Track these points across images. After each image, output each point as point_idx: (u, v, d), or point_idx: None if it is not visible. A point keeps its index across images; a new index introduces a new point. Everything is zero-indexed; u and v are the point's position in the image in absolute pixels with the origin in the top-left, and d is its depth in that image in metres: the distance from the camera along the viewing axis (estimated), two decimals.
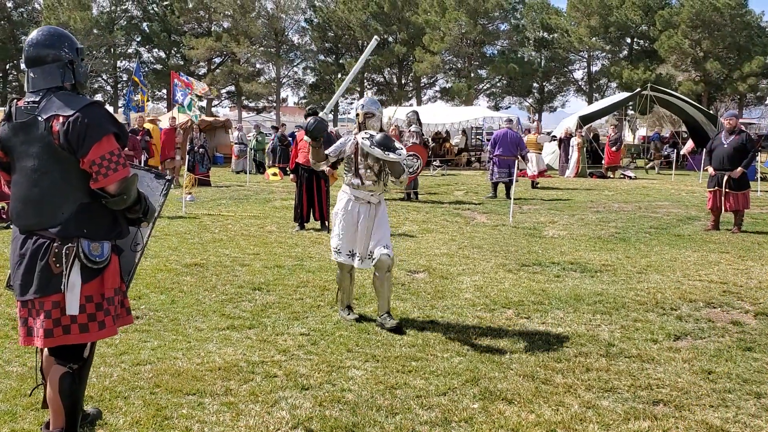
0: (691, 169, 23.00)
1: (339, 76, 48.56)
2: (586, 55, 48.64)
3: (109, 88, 50.10)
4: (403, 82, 50.46)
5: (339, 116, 51.18)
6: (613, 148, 21.38)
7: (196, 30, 48.76)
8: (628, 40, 47.33)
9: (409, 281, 6.57)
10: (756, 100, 46.69)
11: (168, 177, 3.56)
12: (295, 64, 51.53)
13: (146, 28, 49.22)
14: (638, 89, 26.66)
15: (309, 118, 5.11)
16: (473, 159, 26.64)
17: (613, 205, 13.27)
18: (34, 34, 3.00)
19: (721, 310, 5.70)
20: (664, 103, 26.17)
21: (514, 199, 11.91)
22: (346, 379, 4.06)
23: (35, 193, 2.88)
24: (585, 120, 24.39)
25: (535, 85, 50.12)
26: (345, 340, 4.78)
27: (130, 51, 49.89)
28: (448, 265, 7.31)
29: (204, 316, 5.29)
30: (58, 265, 2.83)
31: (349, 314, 5.33)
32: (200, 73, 47.76)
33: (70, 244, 2.85)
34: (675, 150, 24.71)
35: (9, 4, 47.03)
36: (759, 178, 16.05)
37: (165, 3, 49.03)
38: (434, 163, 22.73)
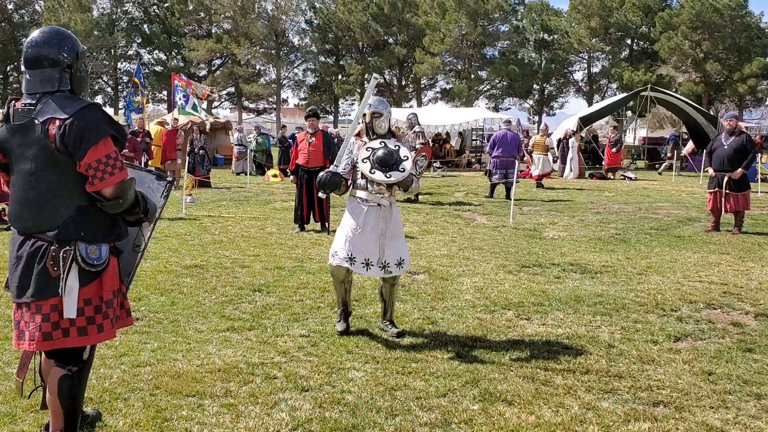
0: (692, 170, 23.01)
1: (339, 77, 48.63)
2: (587, 57, 48.67)
3: (109, 89, 50.17)
4: (403, 83, 50.50)
5: (339, 117, 51.22)
6: (614, 150, 21.39)
7: (197, 32, 48.83)
8: (629, 42, 47.37)
9: (410, 282, 6.56)
10: (755, 102, 46.66)
11: (169, 178, 3.55)
12: (296, 65, 51.64)
13: (147, 30, 49.29)
14: (638, 89, 26.68)
15: (321, 173, 4.76)
16: (473, 160, 26.66)
17: (614, 207, 13.27)
18: (35, 33, 2.95)
19: (722, 312, 5.69)
20: (665, 104, 26.18)
21: (515, 200, 11.92)
22: (345, 380, 4.06)
23: (33, 195, 2.86)
24: (585, 121, 24.39)
25: (535, 86, 50.15)
26: (345, 341, 4.77)
27: (130, 52, 49.96)
28: (448, 267, 7.31)
29: (204, 318, 5.29)
30: (55, 268, 2.82)
31: (339, 320, 5.00)
32: (200, 75, 47.88)
33: (67, 248, 2.84)
34: (675, 151, 24.71)
35: (10, 6, 47.09)
36: (759, 179, 16.05)
37: (165, 5, 49.10)
38: (434, 164, 22.74)
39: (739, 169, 9.77)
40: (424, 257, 7.82)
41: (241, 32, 46.50)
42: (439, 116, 27.08)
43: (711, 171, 10.16)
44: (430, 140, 21.89)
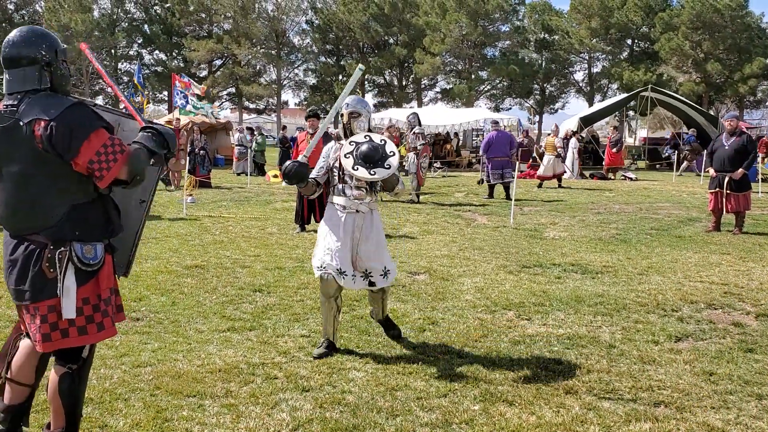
0: (692, 170, 23.01)
1: (340, 77, 48.62)
2: (587, 57, 48.65)
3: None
4: (403, 83, 50.50)
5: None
6: (614, 150, 21.38)
7: (197, 32, 48.85)
8: (629, 42, 47.31)
9: (410, 283, 6.56)
10: (756, 102, 46.64)
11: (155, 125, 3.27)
12: (296, 65, 51.63)
13: (147, 30, 49.31)
14: (638, 90, 26.68)
15: (287, 162, 4.42)
16: (474, 161, 26.66)
17: (614, 207, 13.26)
18: (12, 33, 2.89)
19: (723, 312, 5.69)
20: (665, 105, 26.18)
21: (515, 200, 11.92)
22: (346, 380, 4.06)
23: (24, 197, 2.83)
24: (586, 121, 24.39)
25: (535, 86, 50.11)
26: (345, 341, 4.77)
27: (131, 53, 49.97)
28: (448, 267, 7.31)
29: (204, 318, 5.29)
30: (51, 270, 2.80)
31: (319, 347, 4.52)
32: (201, 75, 47.88)
33: (62, 248, 2.81)
34: (676, 151, 24.69)
35: (10, 7, 47.12)
36: (760, 180, 16.05)
37: (166, 5, 49.12)
38: (435, 164, 22.74)
39: (740, 170, 9.78)
40: (424, 257, 7.82)
41: (241, 33, 46.50)
42: (439, 116, 27.11)
43: (712, 171, 10.17)
44: (430, 140, 21.95)
